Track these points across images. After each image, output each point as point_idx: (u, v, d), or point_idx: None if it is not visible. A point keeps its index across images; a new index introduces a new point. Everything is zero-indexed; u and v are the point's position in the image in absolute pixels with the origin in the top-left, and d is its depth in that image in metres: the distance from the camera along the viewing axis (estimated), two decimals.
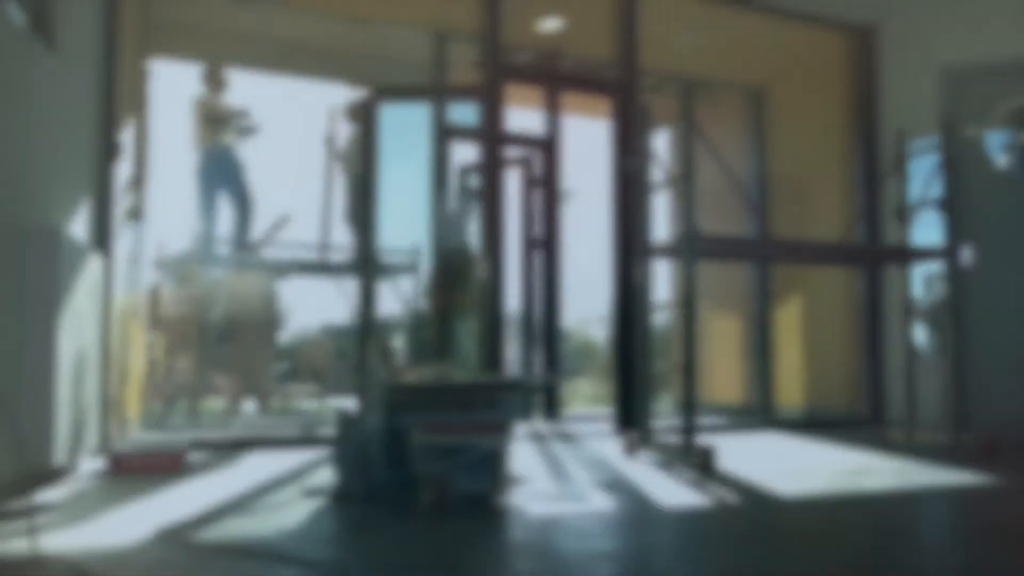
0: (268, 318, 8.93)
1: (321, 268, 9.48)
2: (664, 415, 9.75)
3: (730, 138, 8.98)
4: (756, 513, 3.08)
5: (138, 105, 6.46)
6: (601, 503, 3.29)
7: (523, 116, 7.87)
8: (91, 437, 4.20)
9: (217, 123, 8.13)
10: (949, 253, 5.09)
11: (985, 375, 5.51)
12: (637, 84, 6.52)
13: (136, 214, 6.26)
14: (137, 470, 4.00)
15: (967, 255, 5.53)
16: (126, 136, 6.16)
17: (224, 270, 8.64)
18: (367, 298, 6.09)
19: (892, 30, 7.28)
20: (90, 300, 4.08)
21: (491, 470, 3.04)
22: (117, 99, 5.08)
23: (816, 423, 7.10)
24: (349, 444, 3.33)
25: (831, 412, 7.54)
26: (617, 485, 3.75)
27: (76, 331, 3.81)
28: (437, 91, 7.12)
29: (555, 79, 7.22)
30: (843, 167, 7.61)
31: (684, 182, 4.51)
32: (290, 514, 2.95)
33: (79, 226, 4.54)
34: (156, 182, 7.92)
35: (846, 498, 3.41)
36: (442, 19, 7.04)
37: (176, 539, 2.47)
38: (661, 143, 9.66)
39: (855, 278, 7.35)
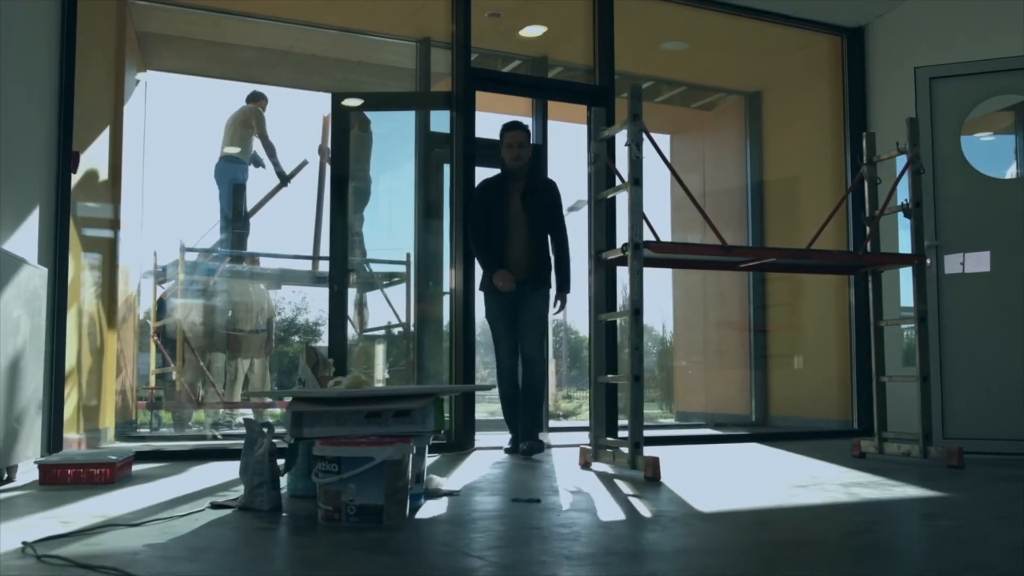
0: (266, 327, 8.97)
1: (314, 279, 9.55)
2: (661, 426, 9.71)
3: (727, 144, 8.88)
4: (652, 527, 2.97)
5: (113, 115, 6.49)
6: (494, 515, 3.20)
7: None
8: (30, 446, 4.19)
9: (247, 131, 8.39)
10: (916, 260, 4.93)
11: (961, 386, 5.34)
12: (611, 91, 6.45)
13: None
14: (67, 481, 3.99)
15: (980, 260, 5.37)
16: (99, 146, 6.20)
17: (224, 279, 8.71)
18: (338, 308, 6.04)
19: (880, 32, 7.14)
20: (25, 309, 4.07)
21: (392, 481, 2.96)
22: (73, 110, 5.06)
23: (805, 435, 6.95)
24: (251, 456, 3.28)
25: (826, 423, 7.38)
26: (559, 494, 3.66)
27: (4, 338, 3.80)
28: (419, 100, 7.09)
29: (530, 86, 7.13)
30: (838, 172, 7.47)
31: (632, 187, 4.41)
32: (178, 528, 2.89)
33: (24, 236, 4.55)
34: (150, 191, 8.01)
35: (762, 513, 3.29)
36: (425, 28, 7.01)
37: (32, 553, 2.42)
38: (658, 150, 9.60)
39: (847, 285, 7.21)
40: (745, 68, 8.34)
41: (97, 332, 6.15)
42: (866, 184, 5.25)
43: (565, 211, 5.85)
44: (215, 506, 3.33)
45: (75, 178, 5.43)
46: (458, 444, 5.81)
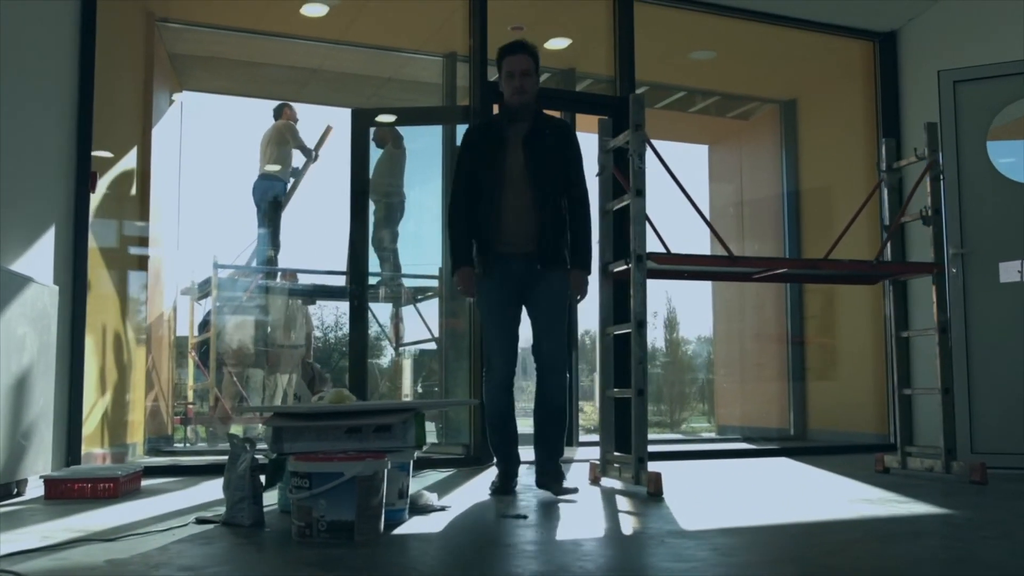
0: (303, 342, 9.05)
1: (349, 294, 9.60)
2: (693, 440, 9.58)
3: (763, 153, 8.75)
4: (624, 545, 2.91)
5: (142, 135, 6.62)
6: (472, 532, 3.16)
7: None
8: (40, 461, 4.26)
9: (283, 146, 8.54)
10: (934, 269, 4.78)
11: (989, 399, 5.16)
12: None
13: None
14: (72, 495, 4.05)
15: (1009, 269, 5.20)
16: (127, 165, 6.33)
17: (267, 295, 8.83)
18: (358, 323, 6.06)
19: (911, 36, 6.97)
20: (32, 326, 4.16)
21: (364, 497, 2.95)
22: (92, 131, 5.16)
23: (837, 449, 6.79)
24: (234, 471, 3.29)
25: (863, 436, 7.20)
26: (546, 511, 3.61)
27: (8, 356, 3.88)
28: (443, 115, 7.10)
29: (551, 99, 7.09)
30: (872, 179, 7.30)
31: (635, 198, 4.35)
32: (150, 543, 2.91)
33: (40, 255, 4.65)
34: (187, 209, 8.15)
35: (742, 531, 3.20)
36: (449, 43, 7.04)
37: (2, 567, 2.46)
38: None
39: (883, 296, 7.03)
40: (778, 76, 8.21)
41: (125, 348, 6.26)
42: (886, 192, 5.11)
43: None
44: (200, 521, 3.35)
45: (100, 197, 5.55)
46: (476, 459, 5.77)
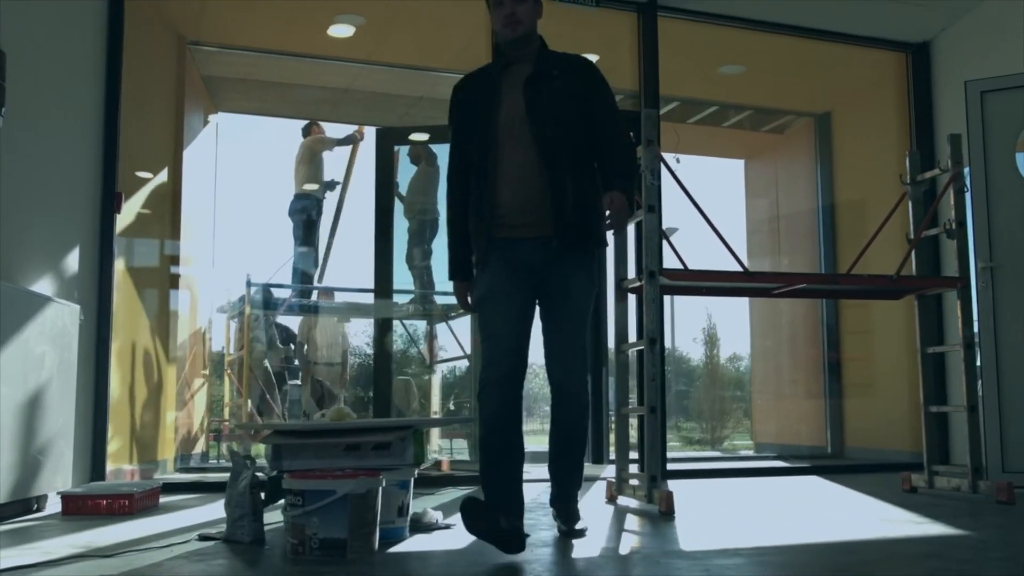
0: (341, 360, 9.10)
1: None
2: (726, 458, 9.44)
3: (798, 167, 8.65)
4: (616, 564, 2.87)
5: (173, 156, 6.74)
6: (468, 550, 3.14)
7: None
8: (59, 477, 4.33)
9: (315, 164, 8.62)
10: (958, 283, 4.67)
11: (1019, 418, 5.02)
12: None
13: None
14: (87, 511, 4.11)
15: None
16: (158, 185, 6.45)
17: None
18: (382, 338, 6.10)
19: (944, 47, 6.85)
20: (51, 345, 4.23)
21: (357, 515, 2.95)
22: (118, 152, 5.26)
23: (869, 467, 6.66)
24: (235, 488, 3.31)
25: (899, 454, 7.05)
26: (554, 528, 3.58)
27: (26, 373, 3.96)
28: None
29: None
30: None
31: (647, 214, 4.31)
32: (145, 559, 2.94)
33: (64, 275, 4.74)
34: (221, 229, 8.29)
35: (739, 552, 3.14)
36: (476, 62, 7.04)
37: None
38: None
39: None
40: (812, 89, 8.12)
41: (154, 365, 6.35)
42: (910, 205, 5.02)
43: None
44: (202, 538, 3.38)
45: (130, 217, 5.66)
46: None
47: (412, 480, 3.45)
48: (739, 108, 8.69)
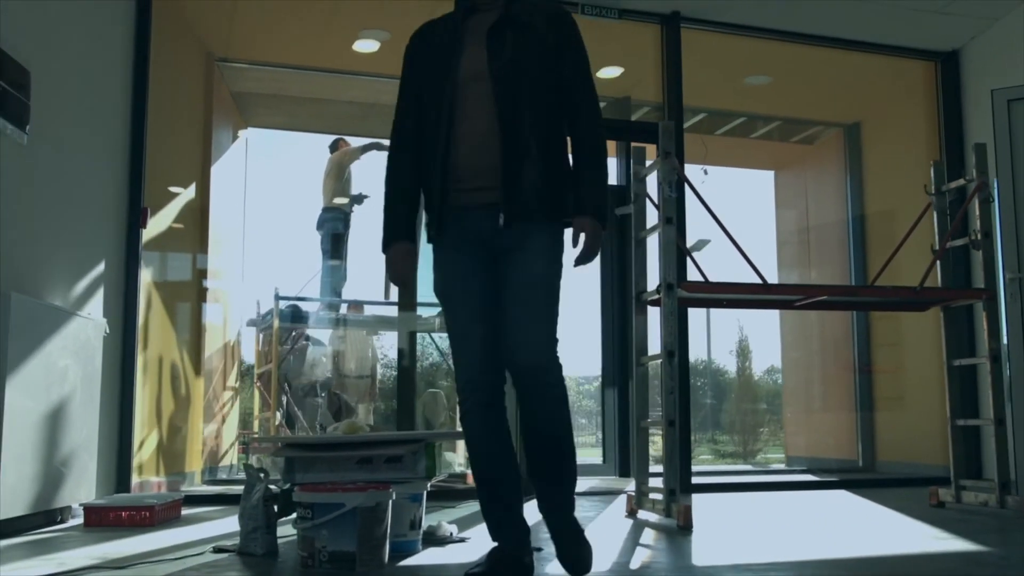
0: (370, 373, 9.12)
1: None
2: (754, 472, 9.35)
3: (828, 178, 8.59)
4: None
5: (201, 172, 6.82)
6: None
7: None
8: (82, 489, 4.39)
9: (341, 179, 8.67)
10: (984, 294, 4.60)
11: None
12: (680, 128, 6.31)
13: None
14: (109, 523, 4.16)
15: None
16: (186, 201, 6.53)
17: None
18: (406, 350, 6.12)
19: (973, 55, 6.77)
20: (74, 359, 4.29)
21: (367, 528, 2.96)
22: (144, 168, 5.34)
23: (898, 481, 6.57)
24: (248, 501, 3.33)
25: (931, 468, 6.94)
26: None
27: (48, 387, 4.02)
28: None
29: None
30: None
31: (665, 226, 4.30)
32: (158, 571, 2.97)
33: (89, 290, 4.81)
34: (250, 243, 8.37)
35: (746, 568, 3.11)
36: None
37: None
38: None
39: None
40: (840, 100, 8.05)
41: (183, 378, 6.42)
42: (935, 215, 4.96)
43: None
44: (217, 550, 3.40)
45: (157, 231, 5.73)
46: (527, 489, 5.71)
47: (424, 493, 3.46)
48: (767, 119, 8.64)
